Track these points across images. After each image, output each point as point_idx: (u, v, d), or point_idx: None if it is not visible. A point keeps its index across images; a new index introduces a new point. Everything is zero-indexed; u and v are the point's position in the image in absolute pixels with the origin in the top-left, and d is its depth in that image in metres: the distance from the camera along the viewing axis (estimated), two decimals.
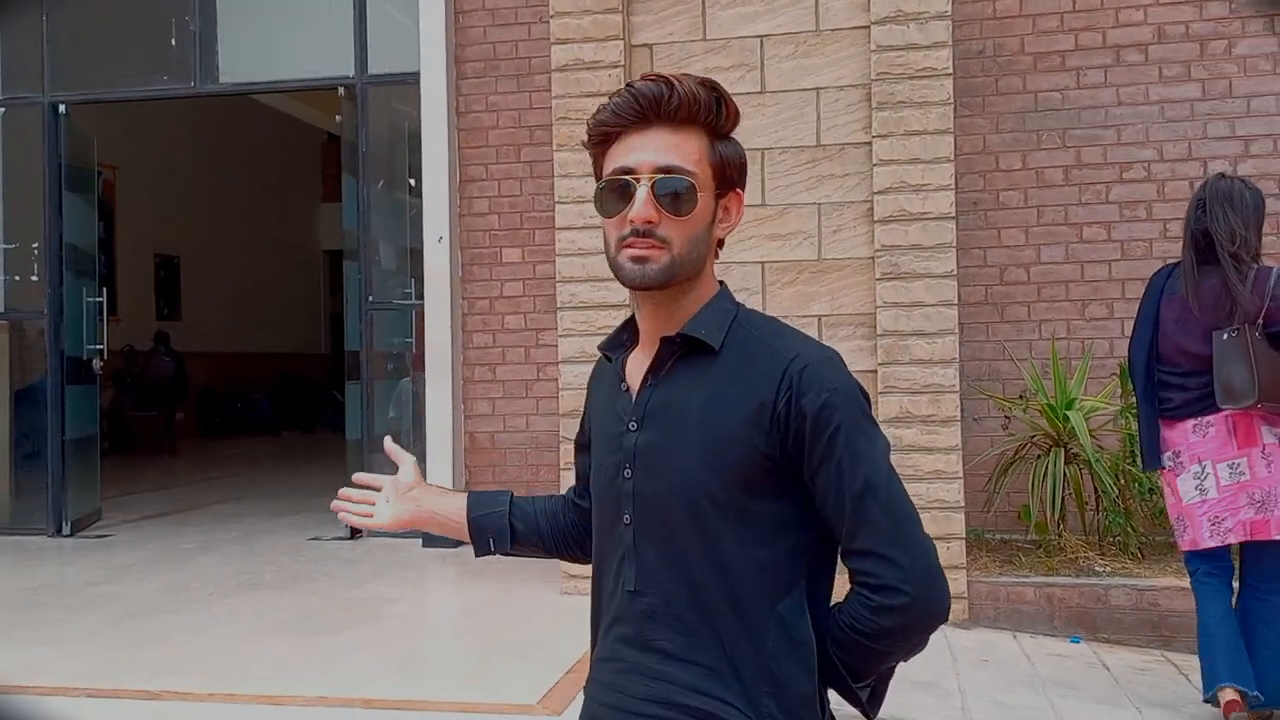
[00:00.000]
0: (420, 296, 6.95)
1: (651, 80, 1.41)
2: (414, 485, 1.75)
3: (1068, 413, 5.24)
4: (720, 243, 1.49)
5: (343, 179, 7.15)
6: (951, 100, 4.96)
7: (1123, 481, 5.25)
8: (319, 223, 19.33)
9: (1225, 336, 3.49)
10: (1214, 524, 3.60)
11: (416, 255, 7.08)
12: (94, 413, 7.76)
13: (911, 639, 1.37)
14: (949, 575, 1.50)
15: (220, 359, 15.84)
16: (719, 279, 1.51)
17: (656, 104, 1.40)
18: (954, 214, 4.96)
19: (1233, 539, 3.61)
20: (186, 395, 14.32)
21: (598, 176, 1.47)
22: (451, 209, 6.72)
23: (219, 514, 8.16)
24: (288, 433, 15.99)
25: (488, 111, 6.78)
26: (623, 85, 1.46)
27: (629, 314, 1.56)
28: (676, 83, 1.40)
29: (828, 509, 1.36)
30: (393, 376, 7.25)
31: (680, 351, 1.44)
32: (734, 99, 1.47)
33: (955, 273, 4.96)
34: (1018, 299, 6.08)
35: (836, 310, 5.13)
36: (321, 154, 19.27)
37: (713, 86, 1.43)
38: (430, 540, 6.63)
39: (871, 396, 5.02)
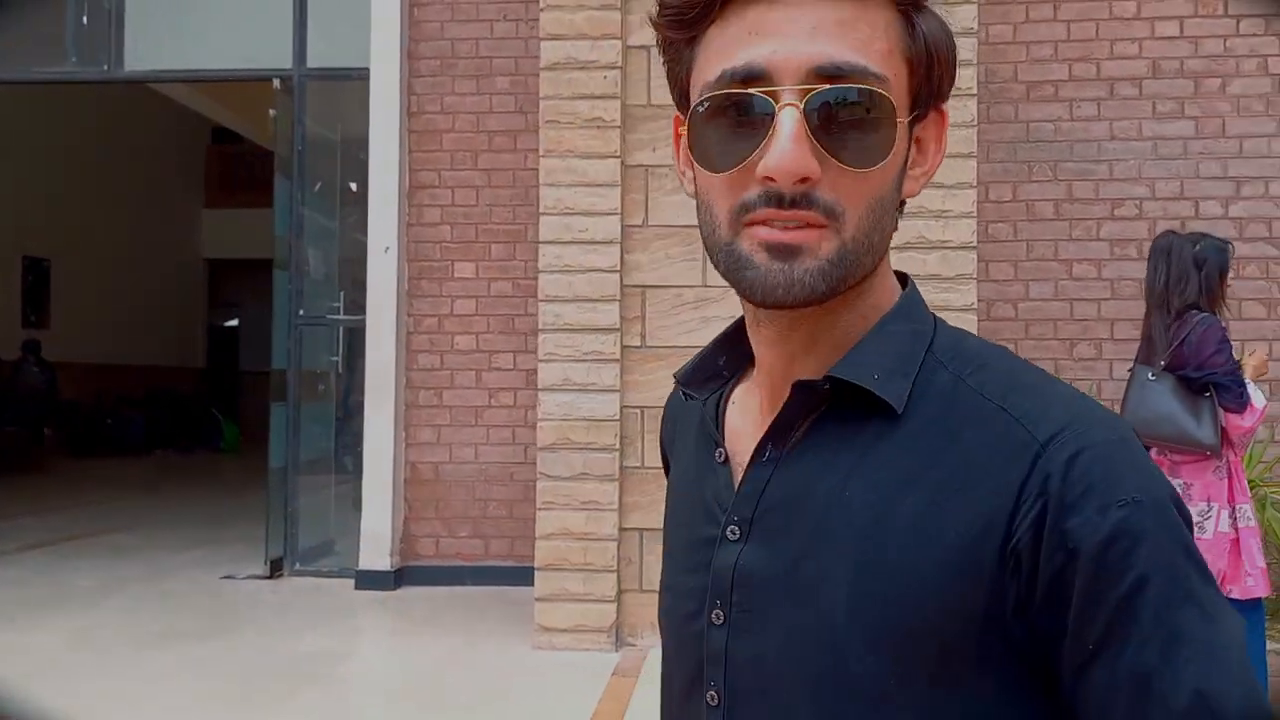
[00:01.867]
0: (360, 312, 6.33)
1: None
2: None
3: None
4: (902, 205, 0.81)
5: (275, 180, 6.47)
6: (975, 123, 4.67)
7: None
8: (202, 229, 18.27)
9: (1148, 375, 3.76)
10: None
11: (355, 266, 6.46)
12: None
13: None
14: None
15: (89, 370, 14.68)
16: (902, 273, 0.86)
17: None
18: (975, 243, 4.66)
19: None
20: (57, 410, 13.16)
21: (682, 97, 0.81)
22: (400, 217, 6.13)
23: (112, 546, 7.30)
24: (161, 451, 14.90)
25: (443, 113, 6.22)
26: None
27: (734, 323, 0.89)
28: None
29: None
30: (323, 399, 6.59)
31: (828, 406, 0.79)
32: None
33: (975, 306, 4.66)
34: (1004, 335, 5.83)
35: None
36: (206, 154, 18.24)
37: None
38: (363, 582, 6.00)
39: None
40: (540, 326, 4.80)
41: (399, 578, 6.04)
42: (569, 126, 4.80)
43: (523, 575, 5.88)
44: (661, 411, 1.04)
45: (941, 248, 4.62)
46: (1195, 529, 3.39)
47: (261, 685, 4.30)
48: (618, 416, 4.73)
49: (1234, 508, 3.68)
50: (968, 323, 4.61)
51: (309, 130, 6.45)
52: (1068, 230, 5.83)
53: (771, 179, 0.72)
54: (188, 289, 18.08)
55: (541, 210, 4.82)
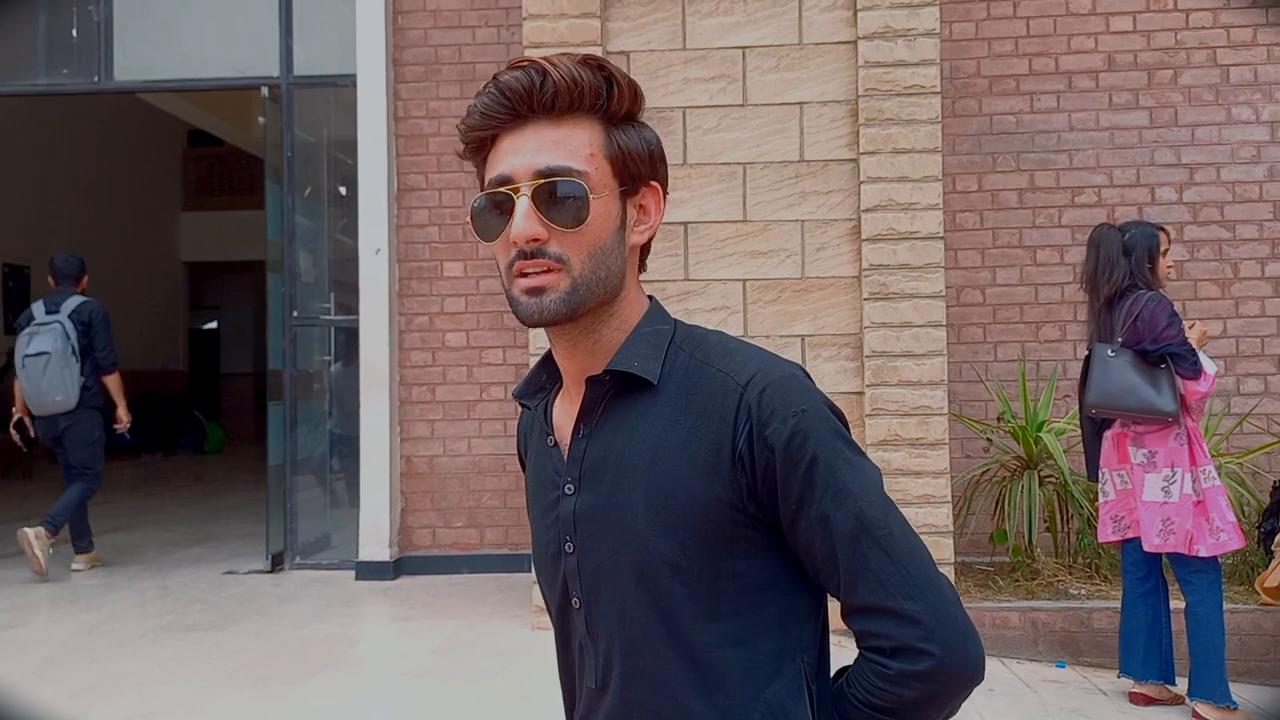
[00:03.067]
0: (350, 312, 6.53)
1: (520, 68, 1.13)
2: None
3: (1043, 435, 5.25)
4: (645, 250, 1.21)
5: (266, 186, 6.65)
6: (940, 119, 4.91)
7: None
8: (180, 232, 18.33)
9: (1108, 352, 4.06)
10: (1115, 521, 4.17)
11: (344, 268, 6.66)
12: None
13: (943, 707, 1.10)
14: None
15: None
16: (650, 295, 1.23)
17: (528, 95, 1.11)
18: (942, 233, 4.91)
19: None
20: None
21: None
22: (390, 220, 6.33)
23: (112, 545, 7.47)
24: (147, 455, 15.00)
25: (428, 118, 6.43)
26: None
27: (547, 350, 1.27)
28: (551, 66, 1.12)
29: (816, 561, 1.10)
30: (318, 397, 6.79)
31: (612, 391, 1.16)
32: (636, 86, 1.17)
33: (944, 293, 4.91)
34: (974, 320, 6.10)
35: (820, 330, 5.00)
36: (183, 158, 18.31)
37: (599, 65, 1.14)
38: (363, 573, 6.21)
39: (859, 419, 4.89)
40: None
41: (398, 568, 6.26)
42: None
43: (518, 562, 6.13)
44: None
45: (910, 238, 4.87)
46: (1162, 493, 3.71)
47: (277, 667, 4.51)
48: None
49: (1197, 470, 3.95)
50: (936, 309, 4.88)
51: (297, 137, 6.63)
52: (1031, 218, 6.10)
53: (515, 242, 1.10)
54: (167, 293, 18.13)
55: None
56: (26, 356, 6.28)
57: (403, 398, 6.41)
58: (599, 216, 1.12)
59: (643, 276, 1.22)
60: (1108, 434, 4.16)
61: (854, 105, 4.96)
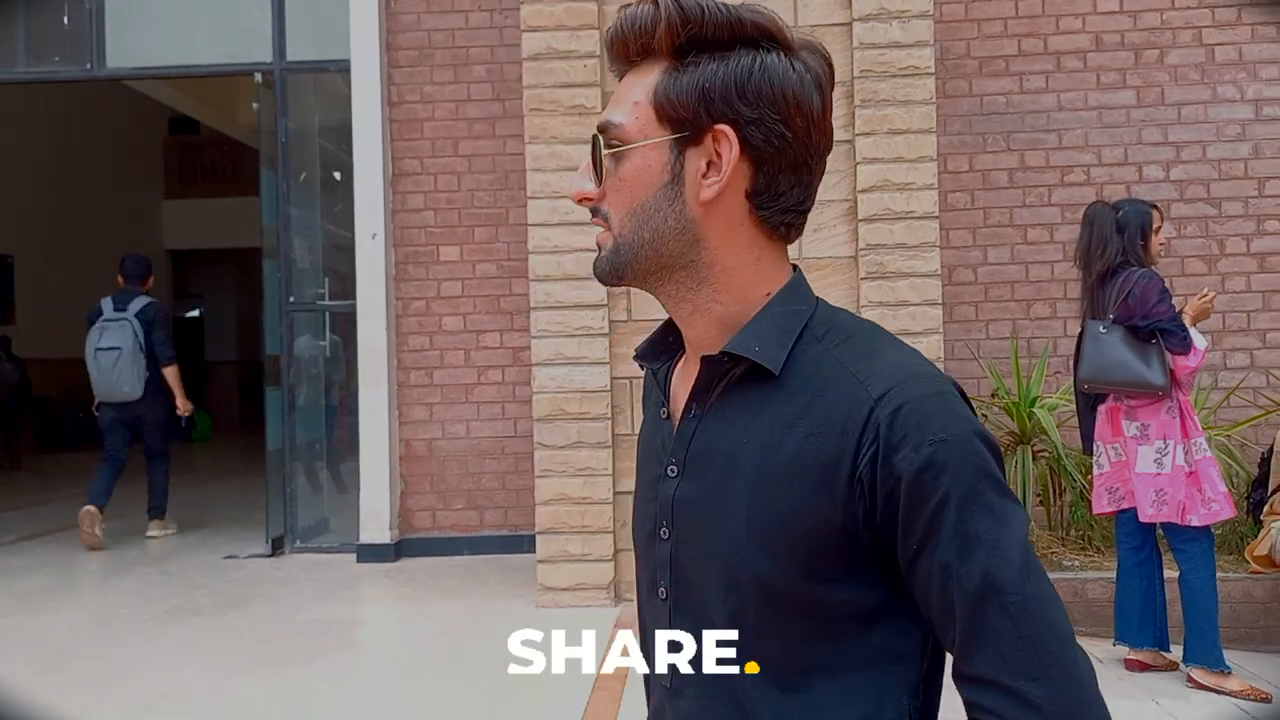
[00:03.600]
0: (345, 298, 6.56)
1: (619, 14, 1.04)
2: None
3: (1036, 410, 5.34)
4: (755, 207, 1.03)
5: (260, 173, 6.65)
6: (934, 100, 4.97)
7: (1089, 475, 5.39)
8: (162, 220, 18.23)
9: (1099, 329, 4.13)
10: (1110, 493, 4.26)
11: (338, 254, 6.68)
12: None
13: None
14: None
15: (58, 365, 14.65)
16: (794, 265, 1.08)
17: (611, 49, 1.06)
18: (937, 213, 4.98)
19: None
20: (30, 405, 13.18)
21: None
22: (385, 205, 6.35)
23: (110, 533, 7.42)
24: (135, 444, 14.91)
25: (423, 102, 6.45)
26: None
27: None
28: (624, 12, 1.03)
29: (933, 611, 0.95)
30: (315, 382, 6.82)
31: (731, 374, 1.04)
32: (726, 8, 1.01)
33: (939, 272, 4.98)
34: (965, 299, 6.18)
35: None
36: (165, 145, 18.19)
37: None
38: (364, 555, 6.26)
39: None
40: (532, 305, 5.07)
41: (399, 550, 6.31)
42: (552, 114, 5.05)
43: (518, 543, 6.19)
44: None
45: (906, 218, 4.94)
46: (1155, 465, 3.79)
47: (284, 649, 4.56)
48: (608, 388, 5.02)
49: (1188, 443, 4.05)
50: (932, 288, 4.95)
51: (290, 123, 6.64)
52: (1021, 197, 6.18)
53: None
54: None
55: (529, 194, 5.08)
56: (99, 350, 6.82)
57: (401, 381, 6.45)
58: (631, 171, 1.03)
59: None
60: (1101, 408, 4.25)
61: (850, 87, 5.02)
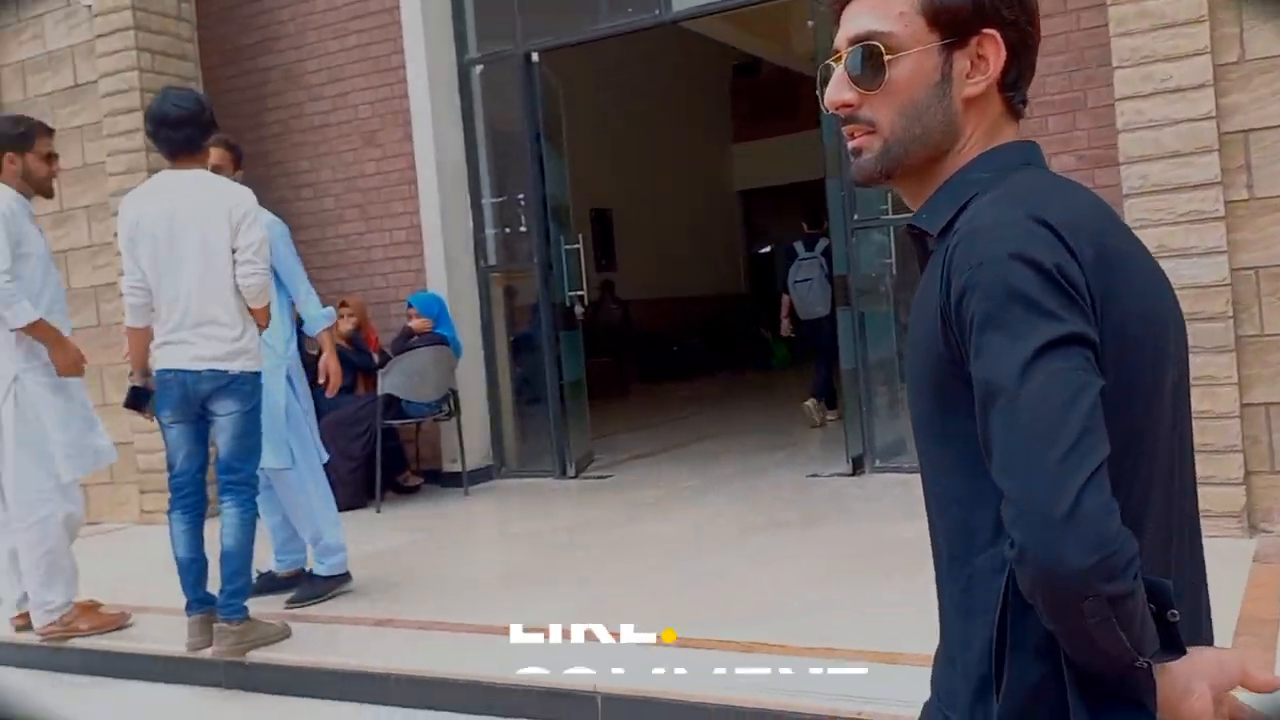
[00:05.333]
0: (907, 211, 6.30)
1: None
2: None
3: None
4: (1007, 100, 1.16)
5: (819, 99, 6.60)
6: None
7: None
8: (732, 164, 19.29)
9: None
10: None
11: None
12: (580, 358, 7.84)
13: (1051, 609, 0.96)
14: None
15: (653, 305, 16.18)
16: (1005, 142, 1.17)
17: None
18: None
19: None
20: (633, 341, 14.72)
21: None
22: None
23: (702, 453, 8.05)
24: (721, 373, 16.08)
25: None
26: None
27: None
28: None
29: None
30: (882, 301, 6.68)
31: (924, 238, 1.18)
32: None
33: None
34: None
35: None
36: (730, 90, 19.18)
37: None
38: None
39: None
40: (1124, 192, 4.44)
41: None
42: None
43: None
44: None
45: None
46: None
47: (867, 564, 4.51)
48: (1228, 280, 4.26)
49: None
50: None
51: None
52: None
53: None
54: (724, 222, 19.23)
55: (1115, 64, 4.44)
56: (796, 282, 9.06)
57: None
58: (905, 74, 1.14)
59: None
60: None
61: None
